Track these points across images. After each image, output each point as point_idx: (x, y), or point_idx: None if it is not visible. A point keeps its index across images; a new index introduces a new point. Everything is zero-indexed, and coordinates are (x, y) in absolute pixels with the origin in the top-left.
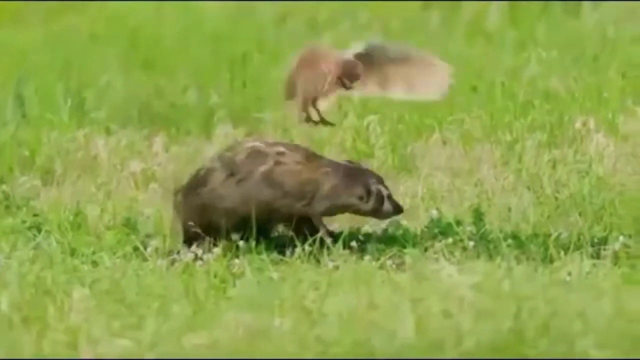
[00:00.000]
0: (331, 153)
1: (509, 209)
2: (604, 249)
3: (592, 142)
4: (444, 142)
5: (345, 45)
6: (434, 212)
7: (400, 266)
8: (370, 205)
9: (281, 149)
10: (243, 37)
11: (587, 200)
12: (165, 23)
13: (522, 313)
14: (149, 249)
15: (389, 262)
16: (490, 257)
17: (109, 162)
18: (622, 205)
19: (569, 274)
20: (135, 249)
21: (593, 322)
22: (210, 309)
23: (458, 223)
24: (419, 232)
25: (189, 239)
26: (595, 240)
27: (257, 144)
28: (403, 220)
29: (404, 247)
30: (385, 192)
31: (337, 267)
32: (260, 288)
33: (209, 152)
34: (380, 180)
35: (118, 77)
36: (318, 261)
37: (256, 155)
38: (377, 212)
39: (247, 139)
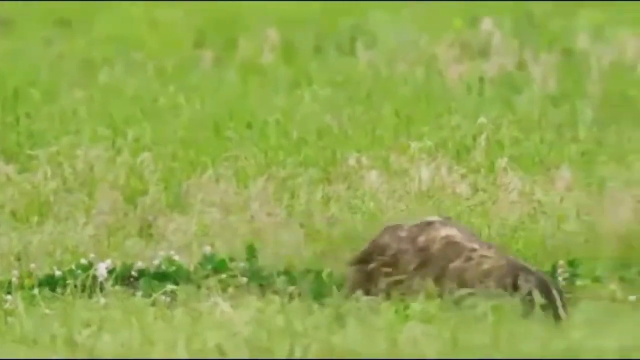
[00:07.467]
0: (104, 190)
1: (282, 245)
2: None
3: (365, 178)
4: (218, 179)
5: (120, 85)
6: (207, 249)
7: (173, 302)
8: None
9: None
10: (16, 75)
11: (359, 236)
12: None
13: (296, 349)
14: None
15: (162, 298)
16: (264, 293)
17: None
18: None
19: (343, 310)
20: None
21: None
22: None
23: (231, 259)
24: (192, 268)
25: None
26: None
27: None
28: (176, 256)
29: (177, 283)
30: None
31: (108, 304)
32: (33, 324)
33: None
34: None
35: None
36: (90, 297)
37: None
38: None
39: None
